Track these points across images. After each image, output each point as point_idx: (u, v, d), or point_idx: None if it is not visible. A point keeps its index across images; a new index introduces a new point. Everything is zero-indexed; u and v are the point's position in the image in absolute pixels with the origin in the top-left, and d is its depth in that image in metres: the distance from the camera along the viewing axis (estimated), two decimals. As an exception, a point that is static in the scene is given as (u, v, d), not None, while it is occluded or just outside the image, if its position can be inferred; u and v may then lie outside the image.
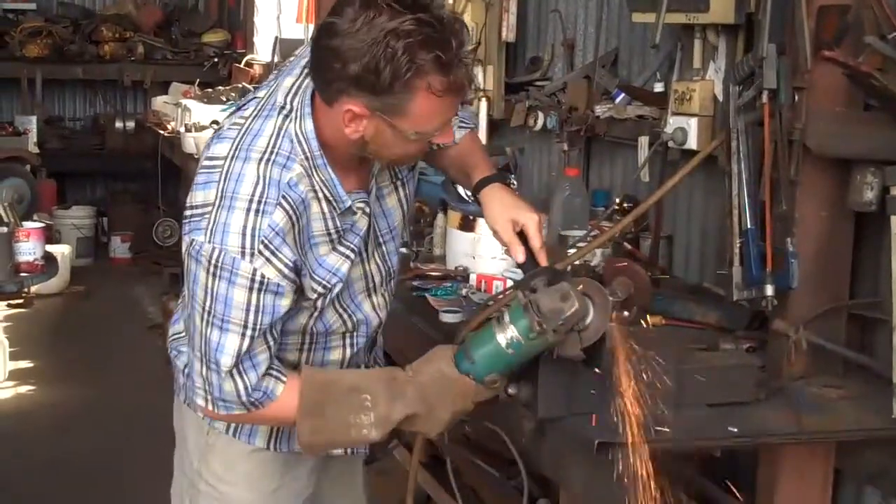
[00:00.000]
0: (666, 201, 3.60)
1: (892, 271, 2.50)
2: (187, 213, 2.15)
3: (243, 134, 2.16)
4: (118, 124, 9.82)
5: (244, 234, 2.06)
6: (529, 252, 2.35)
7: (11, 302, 7.31)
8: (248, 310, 2.09)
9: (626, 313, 2.36)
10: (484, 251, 3.47)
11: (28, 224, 4.24)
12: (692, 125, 3.42)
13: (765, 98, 2.75)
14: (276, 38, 8.82)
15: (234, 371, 2.13)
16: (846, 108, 2.72)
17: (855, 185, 2.65)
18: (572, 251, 3.09)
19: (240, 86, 8.10)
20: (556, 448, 2.38)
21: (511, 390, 2.27)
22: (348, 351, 2.42)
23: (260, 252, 2.07)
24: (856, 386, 2.73)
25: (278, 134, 2.15)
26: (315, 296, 2.23)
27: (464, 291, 3.40)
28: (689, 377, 2.46)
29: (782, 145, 2.72)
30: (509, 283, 3.23)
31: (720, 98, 3.37)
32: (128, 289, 8.33)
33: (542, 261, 2.33)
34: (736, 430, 2.43)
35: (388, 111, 2.05)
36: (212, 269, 2.08)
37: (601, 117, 4.10)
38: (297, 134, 2.15)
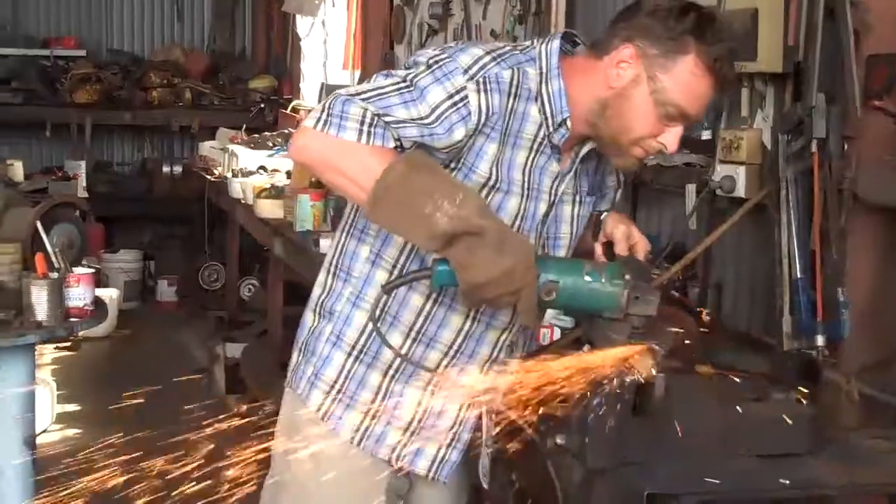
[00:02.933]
0: (714, 249, 3.59)
1: (944, 322, 2.48)
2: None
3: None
4: (165, 169, 9.92)
5: (476, 61, 2.20)
6: None
7: (59, 345, 7.36)
8: (434, 109, 2.15)
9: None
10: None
11: (78, 269, 4.26)
12: (740, 173, 3.41)
13: (814, 147, 2.76)
14: (322, 84, 8.90)
15: (369, 122, 2.11)
16: (896, 157, 2.71)
17: (906, 234, 2.64)
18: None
19: (286, 131, 8.16)
20: (604, 499, 2.37)
21: (559, 440, 2.26)
22: (468, 322, 2.40)
23: (478, 82, 2.19)
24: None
25: (518, 50, 2.30)
26: (481, 179, 2.26)
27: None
28: (740, 428, 2.45)
29: (832, 194, 2.72)
30: (556, 333, 3.23)
31: (768, 146, 3.37)
32: (174, 333, 8.38)
33: None
34: (787, 481, 2.41)
35: (657, 58, 2.20)
36: (430, 62, 2.19)
37: (648, 165, 4.10)
38: (540, 52, 2.29)
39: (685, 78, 2.21)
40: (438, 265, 2.08)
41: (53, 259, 4.18)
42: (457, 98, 2.17)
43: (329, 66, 9.17)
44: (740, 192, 3.42)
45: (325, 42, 9.28)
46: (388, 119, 2.12)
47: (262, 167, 7.27)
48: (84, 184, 8.69)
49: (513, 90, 2.24)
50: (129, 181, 10.21)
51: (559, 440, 2.27)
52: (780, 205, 2.89)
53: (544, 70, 2.28)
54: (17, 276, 3.92)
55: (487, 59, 2.22)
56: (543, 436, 2.39)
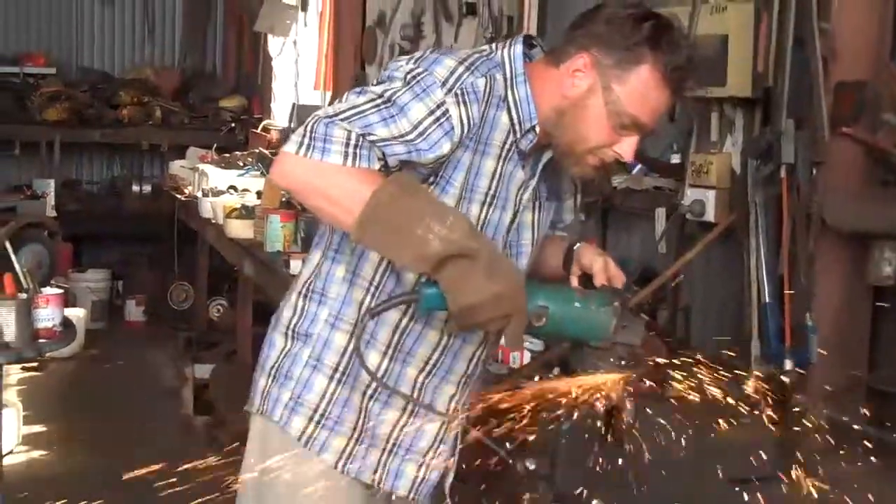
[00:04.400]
0: (683, 273, 3.61)
1: (911, 347, 2.50)
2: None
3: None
4: (135, 188, 9.90)
5: (452, 73, 2.18)
6: None
7: (25, 365, 7.30)
8: (416, 126, 2.13)
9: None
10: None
11: (47, 290, 4.24)
12: (710, 197, 3.43)
13: (783, 172, 2.78)
14: (294, 104, 8.90)
15: (353, 144, 2.08)
16: (864, 183, 2.74)
17: (873, 259, 2.66)
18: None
19: (257, 151, 8.14)
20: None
21: (529, 465, 2.26)
22: (445, 338, 2.38)
23: (457, 94, 2.17)
24: (876, 461, 2.71)
25: (484, 56, 2.28)
26: (456, 191, 2.25)
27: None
28: (709, 452, 2.46)
29: (800, 219, 2.74)
30: (527, 355, 3.23)
31: (737, 171, 3.39)
32: (142, 353, 8.32)
33: None
34: (756, 506, 2.42)
35: (612, 68, 2.19)
36: (408, 79, 2.16)
37: (618, 188, 4.12)
38: (503, 58, 2.28)
39: (640, 88, 2.19)
40: (426, 288, 2.06)
41: (22, 279, 4.16)
42: (438, 113, 2.15)
43: (300, 85, 9.16)
44: (710, 216, 3.44)
45: (297, 62, 9.28)
46: (372, 138, 2.09)
47: (233, 187, 7.25)
48: (53, 202, 8.63)
49: (486, 98, 2.23)
50: (99, 200, 10.16)
51: (529, 464, 2.27)
52: (748, 229, 2.90)
53: (509, 76, 2.27)
54: (-15, 297, 3.90)
55: (462, 69, 2.20)
56: (514, 459, 2.39)
